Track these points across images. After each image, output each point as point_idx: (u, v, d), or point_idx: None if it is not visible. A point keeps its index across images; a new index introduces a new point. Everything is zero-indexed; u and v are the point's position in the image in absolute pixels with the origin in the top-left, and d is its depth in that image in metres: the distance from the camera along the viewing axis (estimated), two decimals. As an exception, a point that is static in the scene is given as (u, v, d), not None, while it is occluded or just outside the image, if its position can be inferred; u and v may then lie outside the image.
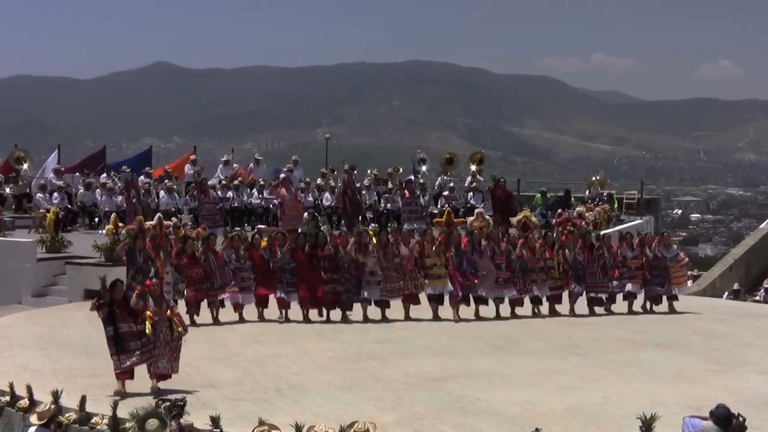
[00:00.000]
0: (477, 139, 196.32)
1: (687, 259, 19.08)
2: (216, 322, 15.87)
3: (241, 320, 16.14)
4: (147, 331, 10.95)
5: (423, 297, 16.96)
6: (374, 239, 16.89)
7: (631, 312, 17.80)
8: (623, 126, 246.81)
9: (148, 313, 11.03)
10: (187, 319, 13.52)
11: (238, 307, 16.31)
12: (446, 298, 16.96)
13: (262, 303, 16.54)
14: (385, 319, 16.53)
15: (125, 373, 11.08)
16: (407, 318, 16.67)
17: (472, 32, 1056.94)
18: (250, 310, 16.40)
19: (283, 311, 16.43)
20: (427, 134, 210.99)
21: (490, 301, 17.13)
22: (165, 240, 16.14)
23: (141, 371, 11.26)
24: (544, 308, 17.51)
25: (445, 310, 16.87)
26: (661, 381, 12.26)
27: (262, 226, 22.21)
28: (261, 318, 16.37)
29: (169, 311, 11.32)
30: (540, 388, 11.71)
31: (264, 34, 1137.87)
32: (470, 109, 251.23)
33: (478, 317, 16.91)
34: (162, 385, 11.21)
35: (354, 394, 11.36)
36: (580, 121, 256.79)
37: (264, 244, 16.61)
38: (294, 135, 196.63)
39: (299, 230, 19.96)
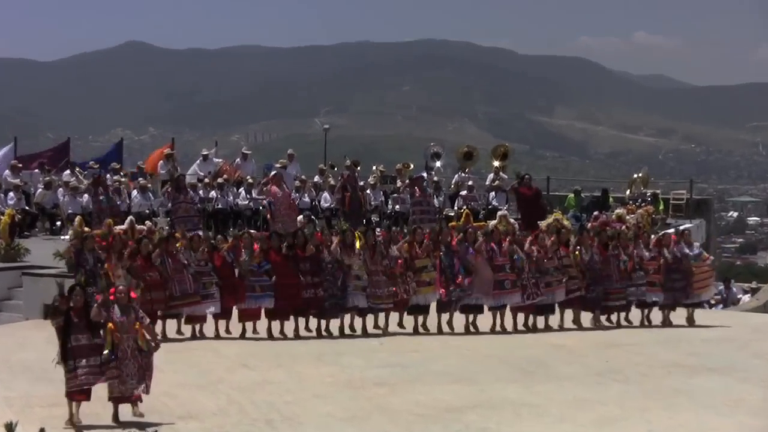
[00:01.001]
0: (500, 130, 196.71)
1: (712, 258, 19.14)
2: (169, 335, 15.82)
3: (195, 336, 16.19)
4: (107, 345, 10.96)
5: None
6: (362, 238, 17.01)
7: (644, 324, 18.20)
8: (669, 115, 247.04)
9: (110, 326, 11.02)
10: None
11: (196, 320, 16.29)
12: (433, 306, 17.18)
13: (224, 315, 16.51)
14: (365, 333, 16.77)
15: (80, 393, 11.05)
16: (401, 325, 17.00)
17: (493, 7, 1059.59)
18: (209, 325, 16.45)
19: (244, 324, 16.42)
20: (442, 124, 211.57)
21: (486, 309, 17.30)
22: (117, 240, 16.19)
23: (102, 397, 11.24)
24: (556, 319, 17.65)
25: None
26: (715, 412, 12.21)
27: (252, 231, 22.19)
28: (217, 335, 16.38)
29: (138, 323, 11.31)
30: (574, 421, 11.67)
31: (253, 9, 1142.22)
32: (492, 96, 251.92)
33: (471, 330, 17.18)
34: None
35: (357, 426, 11.34)
36: (619, 109, 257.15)
37: (227, 246, 16.62)
38: (288, 126, 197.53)
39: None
